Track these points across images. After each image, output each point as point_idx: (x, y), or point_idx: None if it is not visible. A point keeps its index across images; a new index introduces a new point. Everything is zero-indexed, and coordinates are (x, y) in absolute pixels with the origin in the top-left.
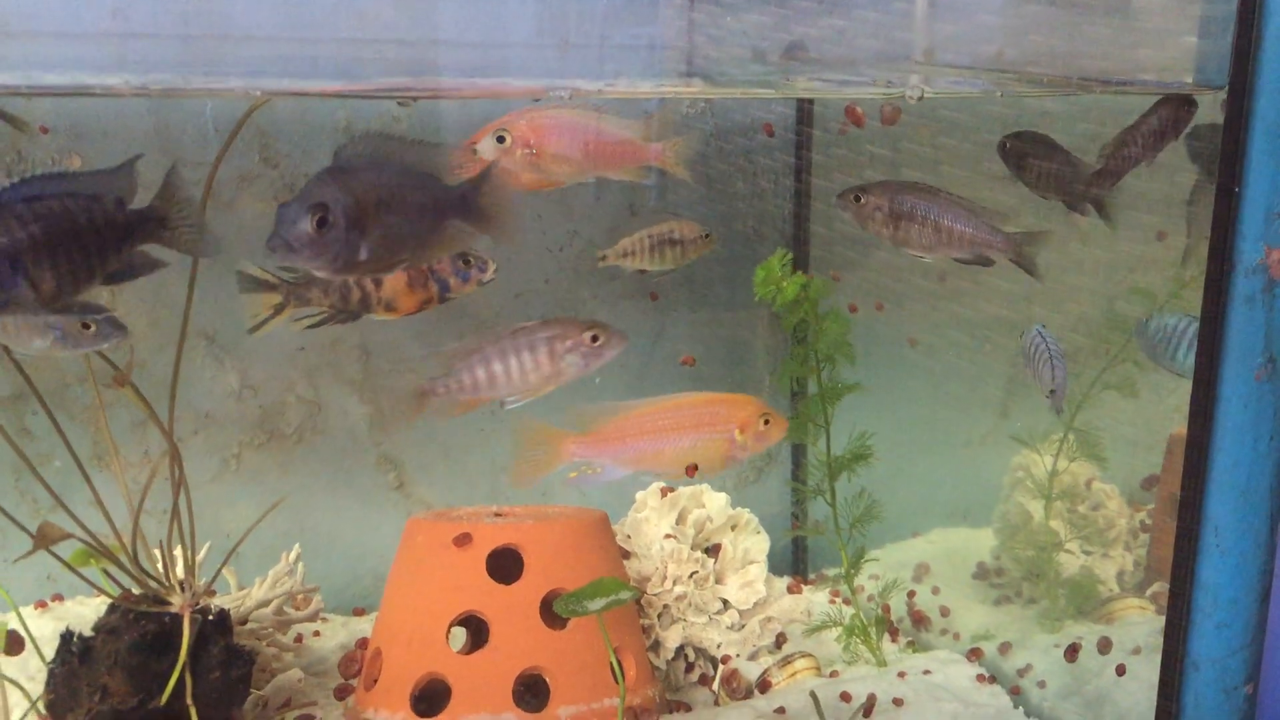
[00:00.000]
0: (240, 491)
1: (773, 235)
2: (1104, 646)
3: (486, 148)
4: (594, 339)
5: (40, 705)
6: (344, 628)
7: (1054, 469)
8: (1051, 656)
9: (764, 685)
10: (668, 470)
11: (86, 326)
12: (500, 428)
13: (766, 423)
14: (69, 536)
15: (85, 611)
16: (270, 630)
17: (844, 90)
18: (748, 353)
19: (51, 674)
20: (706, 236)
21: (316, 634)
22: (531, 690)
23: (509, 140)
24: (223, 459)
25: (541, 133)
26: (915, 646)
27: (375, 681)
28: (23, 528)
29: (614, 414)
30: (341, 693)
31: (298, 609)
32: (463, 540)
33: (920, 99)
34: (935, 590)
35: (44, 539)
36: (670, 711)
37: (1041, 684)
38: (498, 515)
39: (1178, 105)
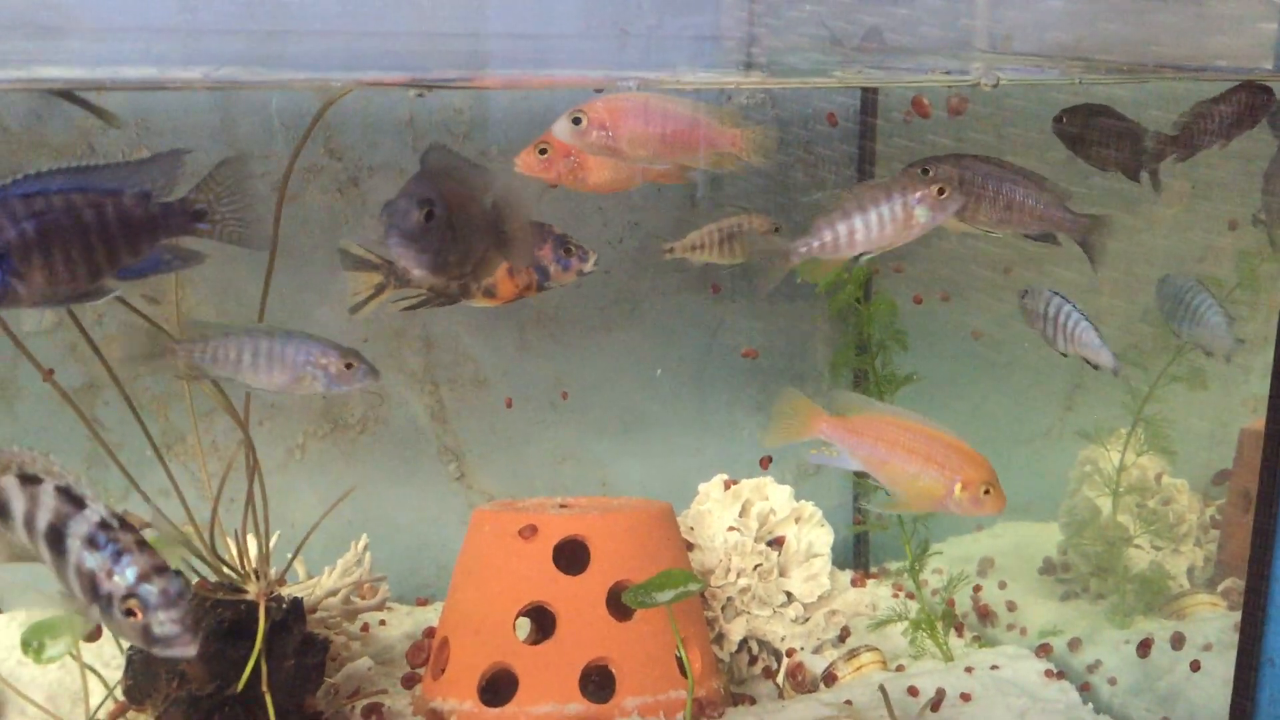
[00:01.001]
0: (305, 481)
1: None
2: (1177, 642)
3: (562, 130)
4: (940, 191)
5: (118, 691)
6: (409, 617)
7: (1122, 463)
8: (1121, 652)
9: (829, 678)
10: (888, 481)
11: (349, 366)
12: (561, 418)
13: (986, 492)
14: (148, 525)
15: None
16: (338, 619)
17: (911, 78)
18: (808, 344)
19: (130, 660)
20: (775, 230)
21: (382, 623)
22: (596, 681)
23: (585, 123)
24: (288, 449)
25: (618, 116)
26: (981, 641)
27: (443, 671)
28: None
29: (870, 410)
30: (409, 681)
31: (363, 598)
32: (529, 532)
33: (995, 85)
34: (1002, 585)
35: None
36: (735, 704)
37: (1112, 680)
38: (563, 506)
39: (1255, 92)
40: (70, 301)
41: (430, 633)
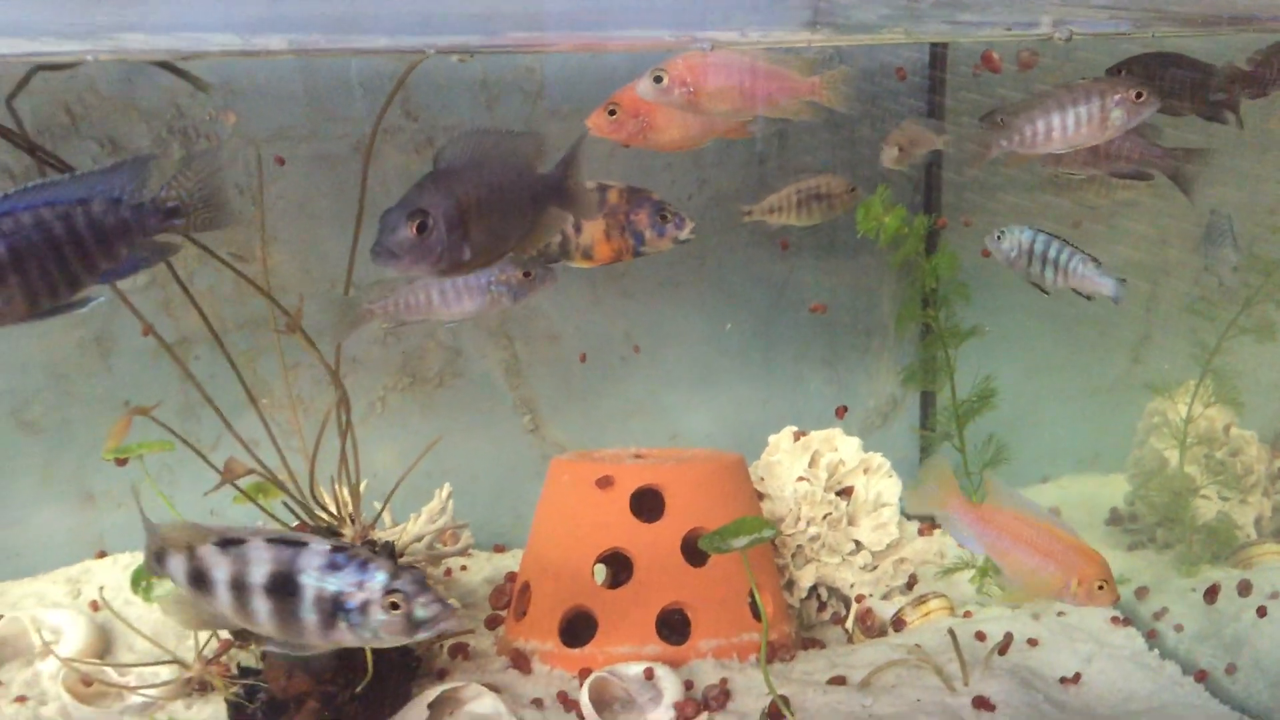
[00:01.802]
0: (385, 433)
1: (900, 181)
2: (1243, 589)
3: (645, 89)
4: (1138, 95)
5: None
6: (488, 563)
7: (1190, 415)
8: (1188, 600)
9: (898, 624)
10: (1008, 570)
11: (528, 275)
12: (632, 372)
13: (1100, 588)
14: (252, 472)
15: None
16: (423, 564)
17: (982, 34)
18: (874, 299)
19: None
20: (852, 190)
21: (464, 568)
22: (670, 625)
23: (666, 80)
24: (369, 402)
25: (699, 71)
26: None
27: (524, 613)
28: (211, 464)
29: (1006, 501)
30: (491, 623)
31: (444, 545)
32: (606, 481)
33: (1068, 40)
34: None
35: (230, 473)
36: (804, 648)
37: (1178, 627)
38: (638, 457)
39: None
40: (56, 313)
41: (511, 577)
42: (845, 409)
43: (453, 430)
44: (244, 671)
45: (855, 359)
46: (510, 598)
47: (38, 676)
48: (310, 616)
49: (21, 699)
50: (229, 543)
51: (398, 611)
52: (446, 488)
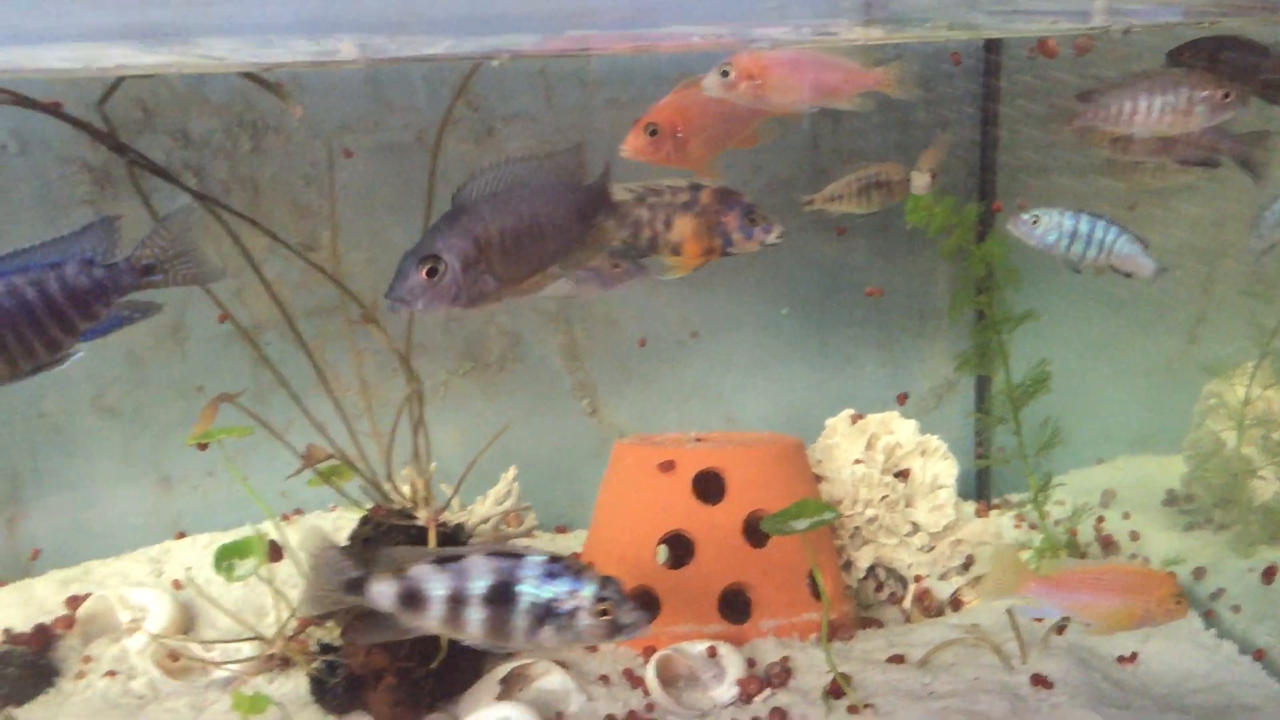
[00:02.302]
0: (448, 416)
1: (954, 165)
2: None
3: (711, 84)
4: (1224, 95)
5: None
6: (551, 544)
7: (1248, 396)
8: (1245, 581)
9: (956, 604)
10: (1094, 618)
11: (616, 266)
12: (689, 356)
13: (1177, 602)
14: (332, 457)
15: (323, 524)
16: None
17: (1036, 26)
18: (929, 282)
19: None
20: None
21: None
22: (731, 605)
23: (733, 74)
24: (432, 386)
25: (764, 65)
26: None
27: None
28: (291, 448)
29: (1069, 568)
30: None
31: (509, 526)
32: (668, 465)
33: (1126, 32)
34: (1126, 515)
35: (311, 459)
36: (863, 628)
37: (1235, 608)
38: (699, 440)
39: None
40: (36, 373)
41: (575, 558)
42: (906, 396)
43: (513, 414)
44: (323, 648)
45: (909, 342)
46: None
47: (125, 652)
48: (522, 622)
49: (111, 673)
50: (446, 560)
51: (605, 618)
52: (511, 470)
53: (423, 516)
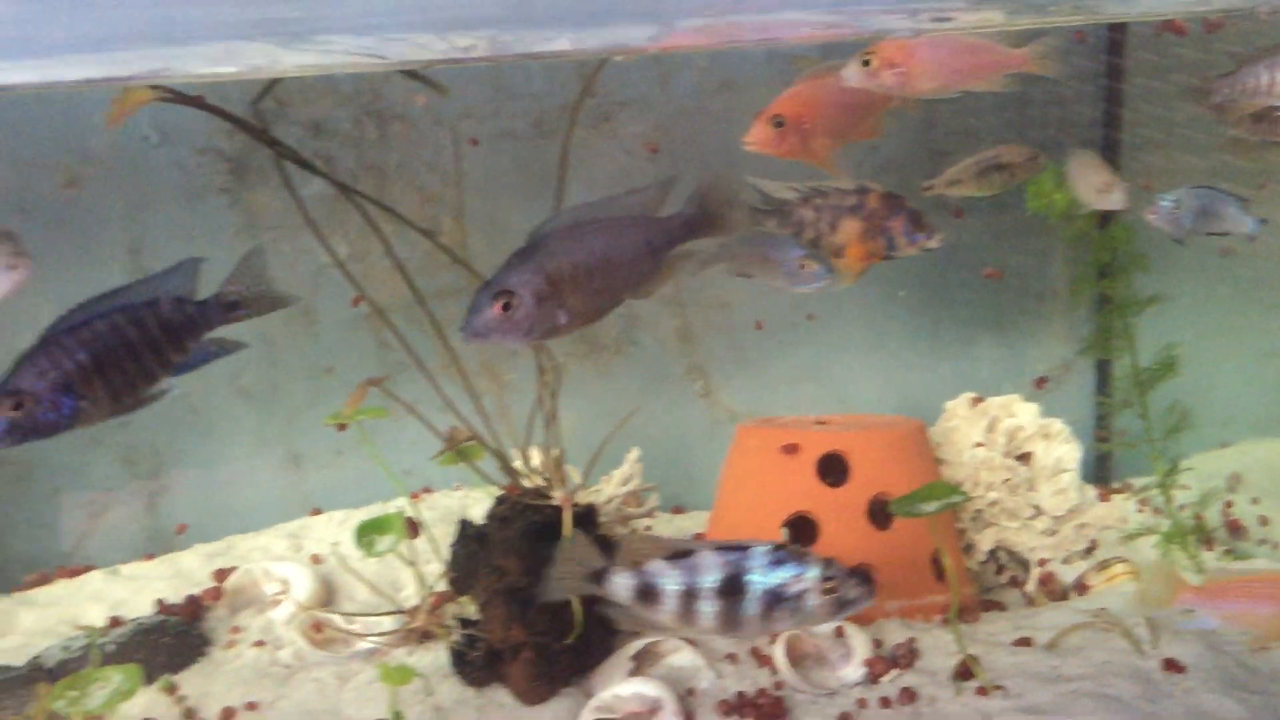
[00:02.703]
0: (563, 399)
1: (1072, 144)
2: None
3: (852, 74)
4: None
5: (439, 583)
6: (669, 524)
7: None
8: None
9: (1081, 588)
10: (1253, 626)
11: (804, 265)
12: (802, 339)
13: None
14: (473, 439)
15: (450, 503)
16: (613, 524)
17: (1165, 7)
18: (1046, 264)
19: (453, 555)
20: (1034, 159)
21: (648, 529)
22: None
23: (875, 64)
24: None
25: (908, 52)
26: (1233, 555)
27: None
28: (435, 431)
29: (1225, 577)
30: None
31: (628, 506)
32: (792, 448)
33: (1272, 13)
34: (1255, 500)
35: (453, 439)
36: (985, 610)
37: None
38: (820, 423)
39: None
40: (135, 408)
41: (699, 538)
42: (1045, 379)
43: (627, 396)
44: (463, 622)
45: (1025, 323)
46: None
47: (271, 624)
48: (754, 610)
49: (260, 643)
50: (678, 556)
51: (833, 595)
52: (634, 452)
53: (557, 496)
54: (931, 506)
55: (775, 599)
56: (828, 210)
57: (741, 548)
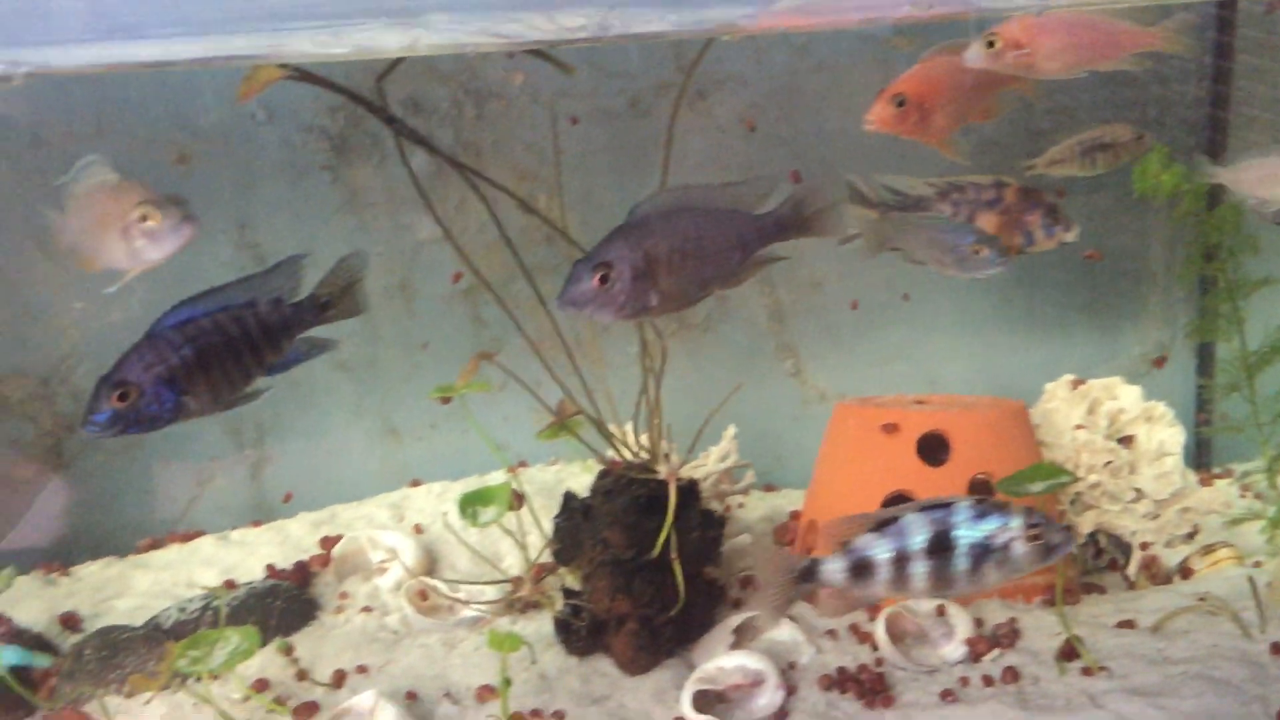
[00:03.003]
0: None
1: (1173, 123)
2: None
3: (975, 55)
4: None
5: (543, 554)
6: (761, 501)
7: None
8: None
9: (1185, 572)
10: None
11: (978, 250)
12: (893, 320)
13: None
14: (580, 413)
15: (545, 477)
16: (710, 500)
17: None
18: (1143, 243)
19: (557, 528)
20: (1139, 138)
21: (741, 505)
22: None
23: (999, 44)
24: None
25: (1034, 32)
26: None
27: (810, 550)
28: (546, 406)
29: None
30: None
31: (722, 482)
32: (892, 427)
33: None
34: None
35: (563, 413)
36: (1086, 593)
37: None
38: (919, 403)
39: None
40: (232, 406)
41: (795, 515)
42: (1164, 359)
43: (717, 374)
44: (567, 593)
45: (1121, 305)
46: (794, 535)
47: (377, 590)
48: (963, 564)
49: (367, 609)
50: (884, 524)
51: (1038, 541)
52: (731, 429)
53: (663, 471)
54: (1038, 487)
55: (984, 551)
56: (965, 205)
57: (944, 505)
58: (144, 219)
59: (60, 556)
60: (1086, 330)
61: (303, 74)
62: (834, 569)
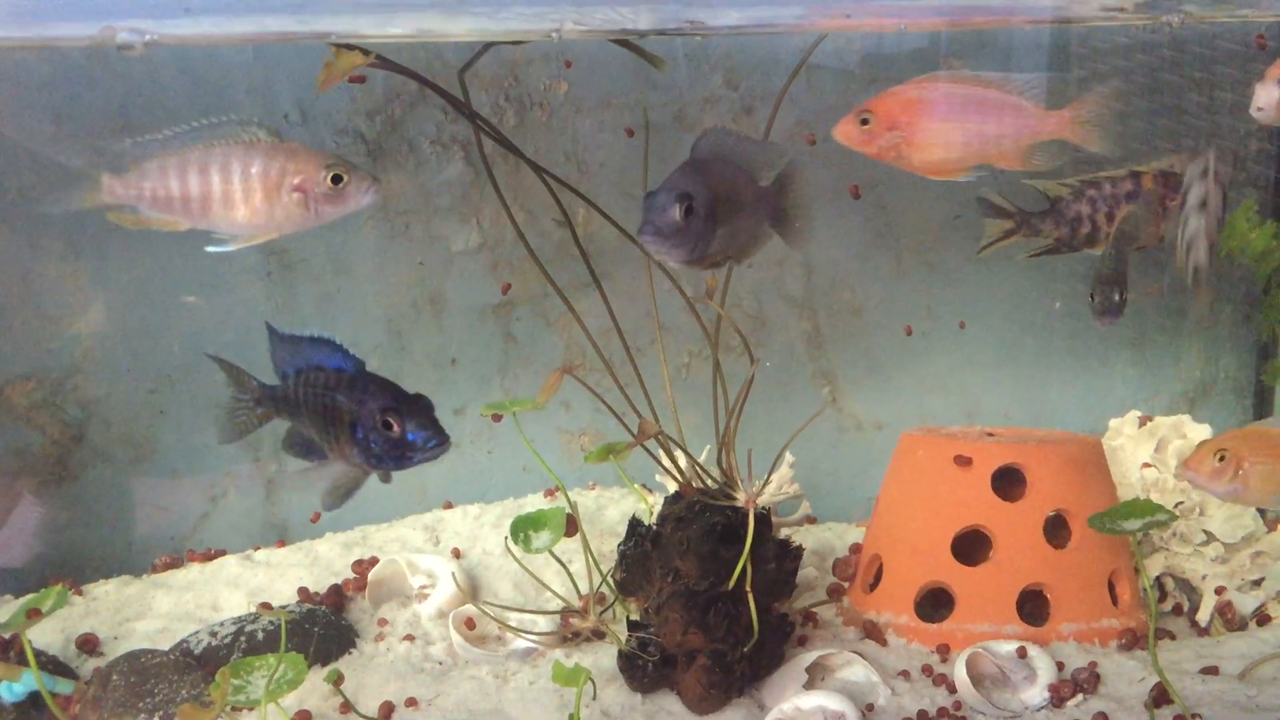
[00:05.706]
0: (688, 397)
1: (1240, 174)
2: None
3: (845, 132)
4: None
5: (608, 582)
6: (809, 533)
7: None
8: None
9: (1262, 618)
10: None
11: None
12: (934, 349)
13: None
14: (661, 433)
15: (585, 501)
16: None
17: None
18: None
19: (623, 555)
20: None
21: (790, 537)
22: (1028, 606)
23: (872, 122)
24: (675, 367)
25: (915, 110)
26: None
27: (873, 585)
28: (624, 425)
29: None
30: (833, 591)
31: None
32: (965, 460)
33: None
34: None
35: (643, 434)
36: (1158, 639)
37: None
38: (989, 435)
39: None
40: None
41: (856, 549)
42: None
43: (752, 399)
44: (632, 625)
45: (1164, 342)
46: (855, 569)
47: (417, 617)
48: None
49: (409, 637)
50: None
51: None
52: (789, 458)
53: (741, 498)
54: (1134, 524)
55: None
56: (1103, 201)
57: None
58: (336, 180)
59: (56, 574)
60: (1128, 366)
61: (384, 63)
62: None
